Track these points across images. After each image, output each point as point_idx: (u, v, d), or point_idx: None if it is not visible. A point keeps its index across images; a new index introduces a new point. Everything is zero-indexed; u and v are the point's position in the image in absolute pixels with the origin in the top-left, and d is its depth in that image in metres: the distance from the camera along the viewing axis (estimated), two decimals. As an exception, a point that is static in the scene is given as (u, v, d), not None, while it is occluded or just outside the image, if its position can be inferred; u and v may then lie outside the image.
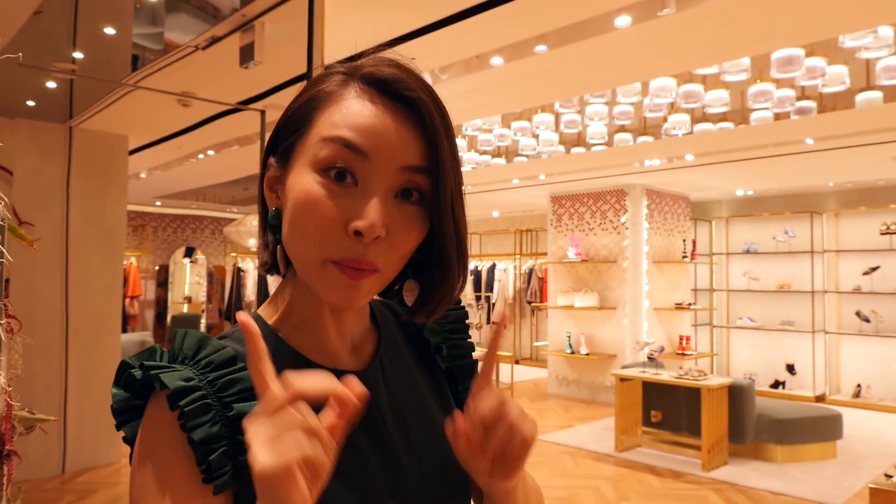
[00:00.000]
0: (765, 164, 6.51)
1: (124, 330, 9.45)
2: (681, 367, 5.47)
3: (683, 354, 7.70)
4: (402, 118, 0.61)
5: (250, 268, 10.41)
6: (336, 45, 3.38)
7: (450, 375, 0.79)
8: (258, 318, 0.68)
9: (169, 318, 10.88)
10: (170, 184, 8.19)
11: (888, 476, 2.79)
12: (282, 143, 0.65)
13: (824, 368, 8.27)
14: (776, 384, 8.43)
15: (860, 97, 4.57)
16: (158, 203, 10.29)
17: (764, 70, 4.31)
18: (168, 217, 11.05)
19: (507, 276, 10.72)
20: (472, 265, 10.75)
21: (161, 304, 11.00)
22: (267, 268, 0.68)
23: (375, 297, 0.69)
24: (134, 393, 0.60)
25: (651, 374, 5.63)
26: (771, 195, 8.88)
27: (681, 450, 5.51)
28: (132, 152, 5.56)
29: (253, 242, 7.04)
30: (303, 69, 2.58)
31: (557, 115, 5.32)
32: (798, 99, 4.72)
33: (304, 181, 0.60)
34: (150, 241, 10.79)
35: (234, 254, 11.09)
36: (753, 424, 5.39)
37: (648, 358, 5.79)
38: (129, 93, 4.24)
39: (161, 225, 10.99)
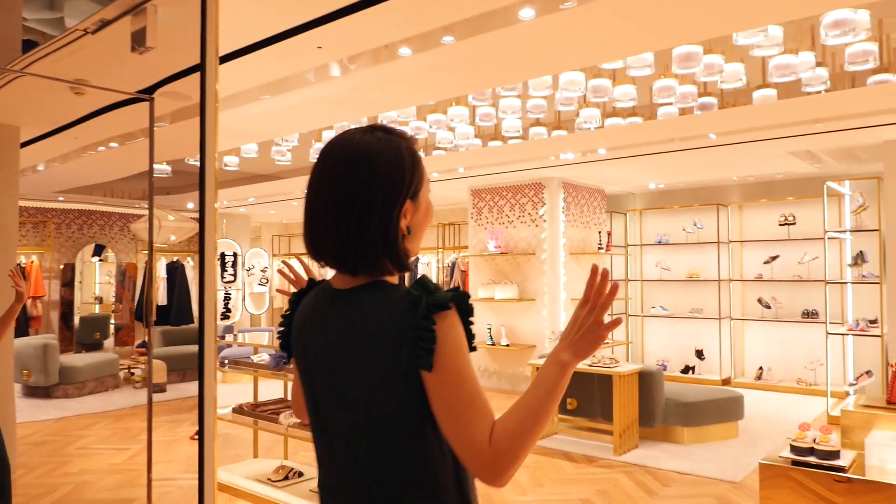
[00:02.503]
0: (673, 158, 6.76)
1: (25, 332, 8.91)
2: (594, 356, 5.62)
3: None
4: None
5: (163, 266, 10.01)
6: (236, 33, 3.27)
7: None
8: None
9: (77, 320, 10.32)
10: (72, 177, 7.74)
11: (792, 444, 2.96)
12: (415, 192, 1.19)
13: (730, 353, 8.69)
14: (686, 369, 8.80)
15: (757, 94, 4.80)
16: (61, 198, 9.73)
17: (667, 66, 4.46)
18: (73, 213, 10.45)
19: (430, 270, 10.75)
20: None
21: (67, 305, 10.41)
22: (399, 266, 1.19)
23: None
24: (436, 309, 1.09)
25: (566, 363, 5.74)
26: (680, 188, 9.24)
27: (595, 435, 5.67)
28: (25, 144, 5.22)
29: (174, 238, 6.76)
30: (196, 59, 2.47)
31: (473, 109, 5.34)
32: (700, 95, 4.91)
33: (428, 202, 1.24)
34: (53, 238, 10.19)
35: (145, 251, 10.63)
36: (662, 408, 5.60)
37: (564, 347, 5.90)
38: (17, 79, 3.97)
39: (65, 221, 10.38)
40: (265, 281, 12.11)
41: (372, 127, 1.21)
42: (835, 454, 2.75)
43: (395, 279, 1.20)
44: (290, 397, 5.16)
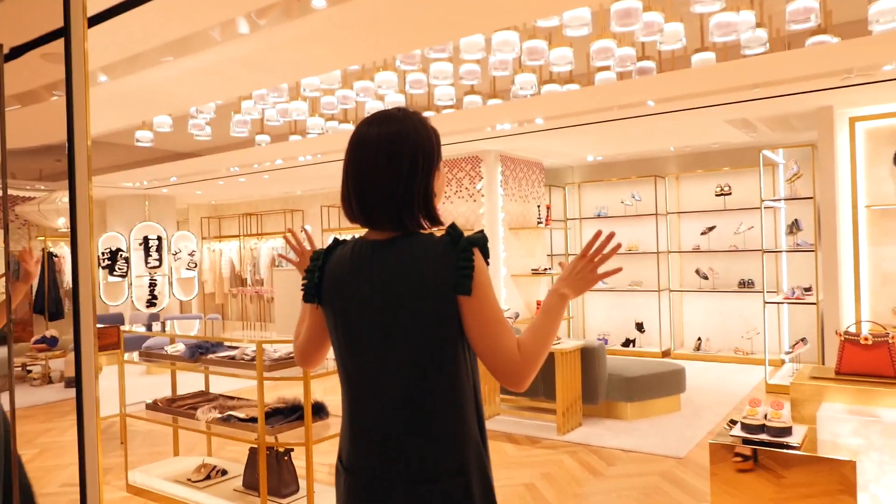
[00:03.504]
0: (611, 127, 6.59)
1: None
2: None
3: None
4: None
5: (66, 253, 9.30)
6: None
7: None
8: None
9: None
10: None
11: (732, 422, 2.79)
12: (439, 160, 1.43)
13: (669, 325, 8.70)
14: (627, 342, 8.78)
15: (696, 58, 4.62)
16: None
17: (604, 27, 4.22)
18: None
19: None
20: (330, 238, 10.37)
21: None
22: (433, 221, 1.41)
23: None
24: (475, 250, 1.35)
25: (507, 341, 5.54)
26: (619, 160, 9.14)
27: (538, 415, 5.49)
28: None
29: (63, 222, 6.19)
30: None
31: (403, 75, 5.00)
32: (639, 59, 4.71)
33: (443, 173, 1.47)
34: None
35: (41, 237, 9.86)
36: (605, 384, 5.46)
37: (504, 325, 5.70)
38: None
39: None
40: (194, 265, 11.50)
41: (398, 108, 1.43)
42: (787, 430, 2.59)
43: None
44: (211, 390, 4.77)
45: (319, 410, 3.69)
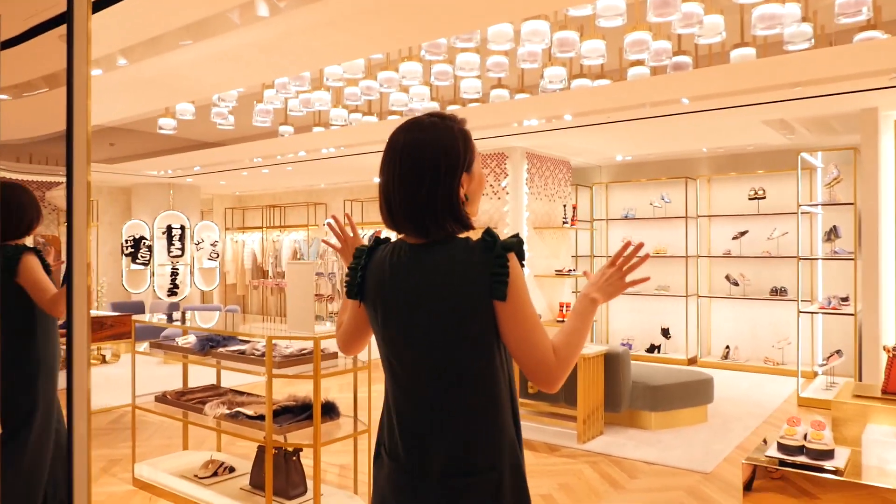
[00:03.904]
0: (642, 126, 6.36)
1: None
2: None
3: (564, 322, 7.56)
4: None
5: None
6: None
7: None
8: None
9: None
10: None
11: (765, 442, 2.59)
12: (469, 166, 1.43)
13: (696, 331, 8.43)
14: (652, 348, 8.53)
15: (735, 53, 4.40)
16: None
17: (639, 19, 4.02)
18: None
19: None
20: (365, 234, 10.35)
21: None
22: (462, 226, 1.43)
23: None
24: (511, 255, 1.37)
25: (528, 343, 5.36)
26: (649, 161, 8.89)
27: (558, 421, 5.31)
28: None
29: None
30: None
31: (427, 66, 4.84)
32: (675, 53, 4.49)
33: (481, 174, 1.48)
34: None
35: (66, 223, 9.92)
36: (629, 392, 5.26)
37: (525, 327, 5.52)
38: None
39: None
40: (216, 255, 11.49)
41: (430, 114, 1.46)
42: (828, 453, 2.39)
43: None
44: (225, 384, 4.67)
45: (330, 410, 3.55)
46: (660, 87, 5.02)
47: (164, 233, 10.92)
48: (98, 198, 11.28)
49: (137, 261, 10.74)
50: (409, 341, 1.42)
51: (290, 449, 3.65)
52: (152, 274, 10.81)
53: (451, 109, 5.84)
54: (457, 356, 1.38)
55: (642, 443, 4.95)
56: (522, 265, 1.38)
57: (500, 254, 1.34)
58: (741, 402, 6.20)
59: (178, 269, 11.09)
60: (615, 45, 4.73)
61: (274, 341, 3.55)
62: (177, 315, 4.91)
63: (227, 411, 3.72)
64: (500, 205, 7.68)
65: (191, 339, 4.18)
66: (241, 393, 4.17)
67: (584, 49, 4.27)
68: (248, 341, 3.97)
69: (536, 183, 7.87)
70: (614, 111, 5.77)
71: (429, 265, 1.40)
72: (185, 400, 4.06)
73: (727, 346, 8.18)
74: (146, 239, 10.75)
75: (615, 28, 3.97)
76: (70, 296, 2.00)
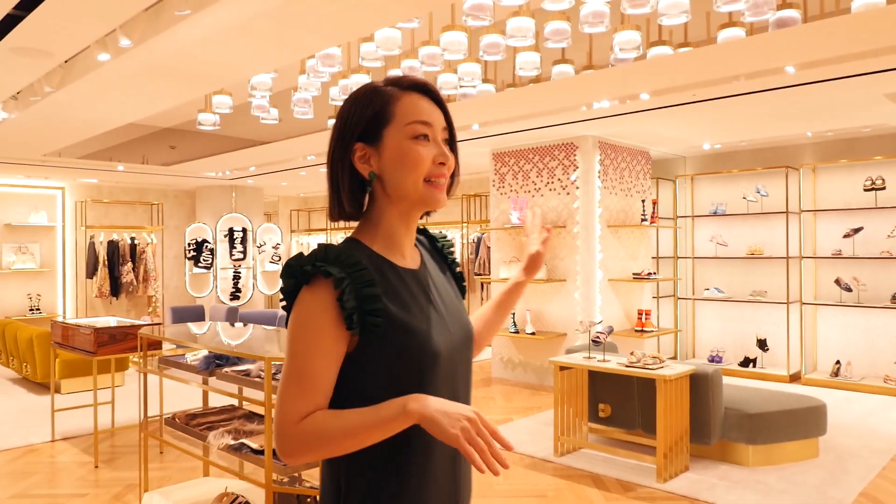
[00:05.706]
0: (735, 105, 5.44)
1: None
2: (632, 353, 4.43)
3: (643, 331, 6.70)
4: (433, 103, 1.18)
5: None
6: None
7: (456, 277, 1.37)
8: (357, 241, 1.17)
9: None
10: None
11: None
12: (369, 133, 1.15)
13: (799, 344, 7.34)
14: (746, 362, 7.50)
15: (857, 2, 3.49)
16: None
17: (733, -40, 3.20)
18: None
19: (454, 247, 9.66)
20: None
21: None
22: (346, 216, 1.20)
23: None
24: (297, 281, 1.09)
25: (597, 360, 4.59)
26: (741, 148, 7.85)
27: (633, 454, 4.49)
28: None
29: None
30: None
31: (473, 37, 4.15)
32: (778, 7, 3.62)
33: (404, 146, 1.14)
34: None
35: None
36: (720, 421, 4.39)
37: (593, 341, 4.74)
38: None
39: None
40: (278, 258, 11.20)
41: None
42: None
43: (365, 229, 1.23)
44: (244, 404, 4.15)
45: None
46: (758, 51, 4.14)
47: (225, 236, 10.72)
48: (164, 201, 11.21)
49: (200, 264, 10.57)
50: None
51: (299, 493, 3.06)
52: (215, 278, 10.62)
53: (509, 92, 5.14)
54: None
55: (737, 484, 4.08)
56: (307, 281, 1.09)
57: (284, 274, 1.15)
58: (859, 433, 5.18)
59: (240, 272, 10.87)
60: (701, 6, 3.91)
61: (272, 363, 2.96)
62: (239, 322, 4.44)
63: (232, 442, 3.17)
64: (569, 201, 6.89)
65: (201, 354, 3.67)
66: (258, 416, 3.62)
67: (662, 5, 3.49)
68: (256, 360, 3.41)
69: (611, 176, 7.03)
70: (700, 87, 4.90)
71: None
72: (195, 424, 3.55)
73: (837, 362, 7.05)
74: (208, 242, 10.58)
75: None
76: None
